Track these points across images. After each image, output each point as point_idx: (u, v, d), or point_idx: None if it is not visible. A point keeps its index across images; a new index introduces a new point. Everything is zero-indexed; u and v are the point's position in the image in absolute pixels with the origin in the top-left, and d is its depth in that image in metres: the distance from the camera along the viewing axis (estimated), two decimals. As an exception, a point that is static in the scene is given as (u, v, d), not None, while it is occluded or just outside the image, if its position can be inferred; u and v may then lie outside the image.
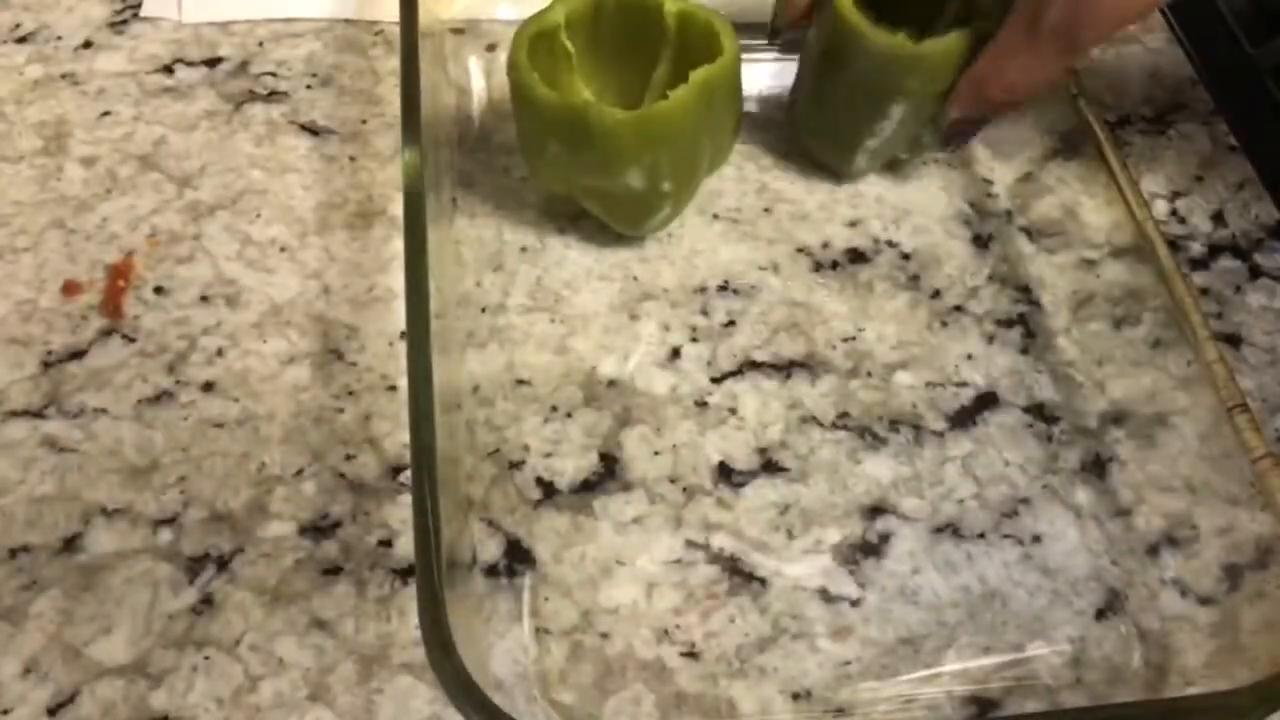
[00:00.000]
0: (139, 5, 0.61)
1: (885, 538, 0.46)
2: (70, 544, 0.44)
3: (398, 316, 0.50)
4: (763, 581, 0.44)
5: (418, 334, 0.41)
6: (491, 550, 0.44)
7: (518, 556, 0.44)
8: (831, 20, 0.49)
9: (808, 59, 0.54)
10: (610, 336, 0.50)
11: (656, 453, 0.47)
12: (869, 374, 0.50)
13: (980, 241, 0.55)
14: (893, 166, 0.57)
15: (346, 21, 0.62)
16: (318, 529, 0.45)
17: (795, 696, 0.42)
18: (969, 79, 0.47)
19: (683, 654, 0.42)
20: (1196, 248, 0.57)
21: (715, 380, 0.49)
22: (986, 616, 0.44)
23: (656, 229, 0.54)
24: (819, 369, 0.50)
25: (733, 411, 0.49)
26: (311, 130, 0.57)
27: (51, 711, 0.40)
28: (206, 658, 0.41)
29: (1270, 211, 0.58)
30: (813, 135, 0.56)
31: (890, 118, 0.51)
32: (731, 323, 0.51)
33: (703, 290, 0.52)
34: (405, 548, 0.44)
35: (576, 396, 0.48)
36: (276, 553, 0.44)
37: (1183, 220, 0.58)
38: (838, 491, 0.47)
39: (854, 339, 0.51)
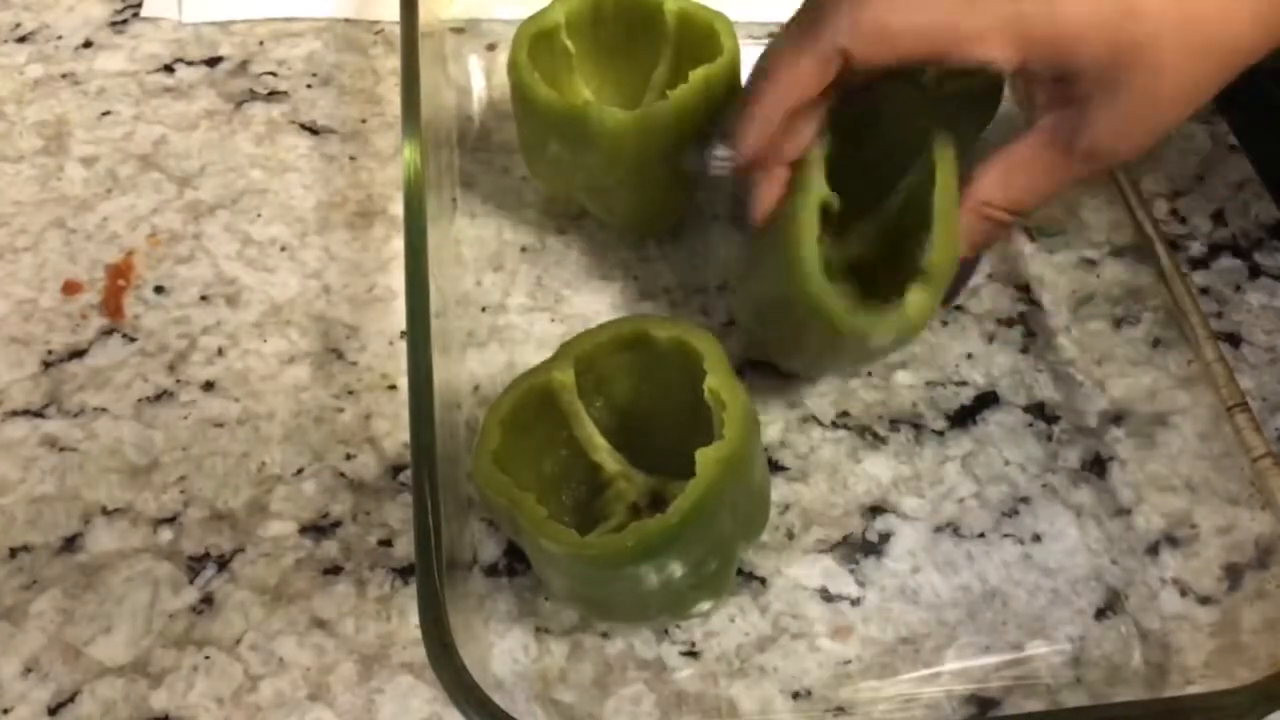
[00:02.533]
0: (139, 5, 0.61)
1: (885, 537, 0.46)
2: (70, 543, 0.44)
3: (398, 316, 0.50)
4: (763, 581, 0.44)
5: (418, 333, 0.41)
6: (492, 550, 0.44)
7: (518, 556, 0.44)
8: (788, 274, 0.41)
9: (746, 257, 0.47)
10: (610, 336, 0.50)
11: (656, 452, 0.47)
12: (869, 373, 0.50)
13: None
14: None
15: (347, 21, 0.62)
16: (318, 528, 0.45)
17: (795, 696, 0.42)
18: (972, 207, 0.41)
19: (683, 653, 0.42)
20: (1196, 247, 0.57)
21: (715, 380, 0.49)
22: (986, 616, 0.44)
23: (657, 228, 0.54)
24: (819, 368, 0.50)
25: (733, 411, 0.48)
26: (312, 130, 0.57)
27: (52, 711, 0.40)
28: (207, 657, 0.41)
29: (1270, 211, 0.58)
30: (757, 336, 0.49)
31: (852, 360, 0.47)
32: (731, 322, 0.51)
33: (702, 290, 0.52)
34: (405, 547, 0.44)
35: (576, 396, 0.48)
36: (277, 552, 0.44)
37: (1183, 219, 0.58)
38: (838, 491, 0.47)
39: (854, 338, 0.51)
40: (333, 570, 0.44)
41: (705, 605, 0.41)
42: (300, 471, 0.46)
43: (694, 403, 0.39)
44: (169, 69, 0.59)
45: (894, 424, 0.49)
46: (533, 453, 0.41)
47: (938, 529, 0.46)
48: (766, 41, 0.61)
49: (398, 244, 0.52)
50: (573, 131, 0.46)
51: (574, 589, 0.40)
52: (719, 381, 0.38)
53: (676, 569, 0.37)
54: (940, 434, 0.49)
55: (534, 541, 0.37)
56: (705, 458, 0.36)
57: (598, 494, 0.42)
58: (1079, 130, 0.38)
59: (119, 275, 0.51)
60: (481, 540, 0.45)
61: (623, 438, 0.42)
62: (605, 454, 0.41)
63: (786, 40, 0.40)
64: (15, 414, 0.47)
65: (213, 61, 0.59)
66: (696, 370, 0.39)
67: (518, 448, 0.39)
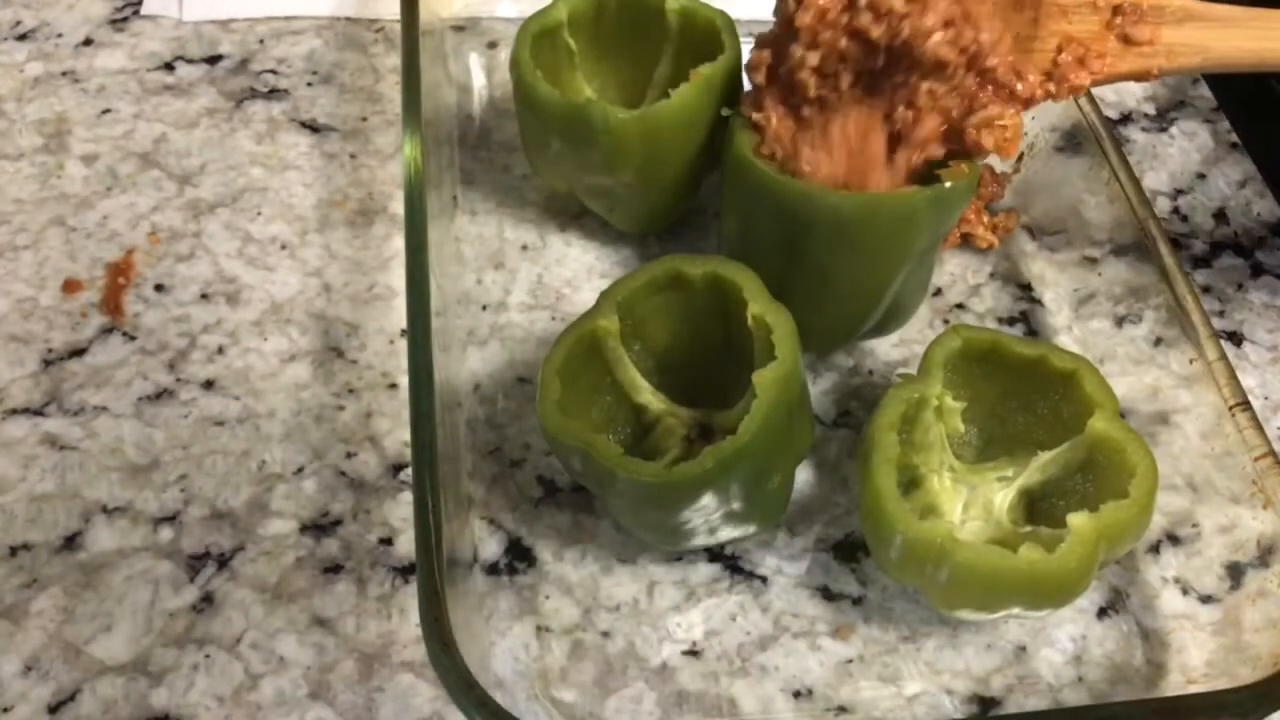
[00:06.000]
0: (139, 3, 0.61)
1: (887, 536, 0.46)
2: (71, 542, 0.44)
3: (398, 314, 0.50)
4: (764, 579, 0.44)
5: (418, 332, 0.41)
6: (492, 548, 0.44)
7: (519, 554, 0.44)
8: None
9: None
10: (611, 334, 0.50)
11: (658, 451, 0.47)
12: (870, 372, 0.50)
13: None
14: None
15: (347, 19, 0.62)
16: (318, 527, 0.44)
17: (797, 695, 0.42)
18: None
19: (684, 652, 0.42)
20: (1198, 245, 0.57)
21: (716, 378, 0.49)
22: (988, 615, 0.44)
23: (658, 227, 0.53)
24: (820, 367, 0.50)
25: (734, 409, 0.48)
26: (312, 128, 0.57)
27: (52, 709, 0.40)
28: (207, 656, 0.41)
29: (1272, 209, 0.58)
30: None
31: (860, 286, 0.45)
32: (733, 320, 0.51)
33: (704, 288, 0.52)
34: (406, 546, 0.44)
35: (577, 394, 0.48)
36: (277, 551, 0.44)
37: (1185, 218, 0.58)
38: (839, 489, 0.47)
39: (855, 337, 0.51)
40: (333, 569, 0.43)
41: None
42: (300, 470, 0.46)
43: (726, 335, 0.43)
44: (169, 67, 0.59)
45: (895, 422, 0.48)
46: (583, 401, 0.42)
47: (939, 528, 0.46)
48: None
49: (398, 242, 0.52)
50: (575, 130, 0.46)
51: (649, 519, 0.41)
52: (761, 306, 0.40)
53: (747, 486, 0.39)
54: (942, 432, 0.48)
55: (610, 479, 0.39)
56: (763, 378, 0.38)
57: (644, 435, 0.44)
58: None
59: (119, 273, 0.51)
60: (482, 538, 0.44)
61: (660, 378, 0.44)
62: (648, 394, 0.43)
63: None
64: (15, 412, 0.47)
65: (213, 59, 0.59)
66: (729, 303, 0.42)
67: (570, 397, 0.40)
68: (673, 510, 0.39)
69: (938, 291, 0.53)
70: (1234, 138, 0.61)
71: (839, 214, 0.42)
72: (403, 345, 0.49)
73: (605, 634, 0.43)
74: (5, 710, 0.40)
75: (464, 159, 0.56)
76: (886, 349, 0.51)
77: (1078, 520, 0.38)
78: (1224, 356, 0.44)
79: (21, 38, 0.60)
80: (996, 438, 0.45)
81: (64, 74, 0.58)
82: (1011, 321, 0.52)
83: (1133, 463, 0.40)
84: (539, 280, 0.52)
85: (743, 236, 0.46)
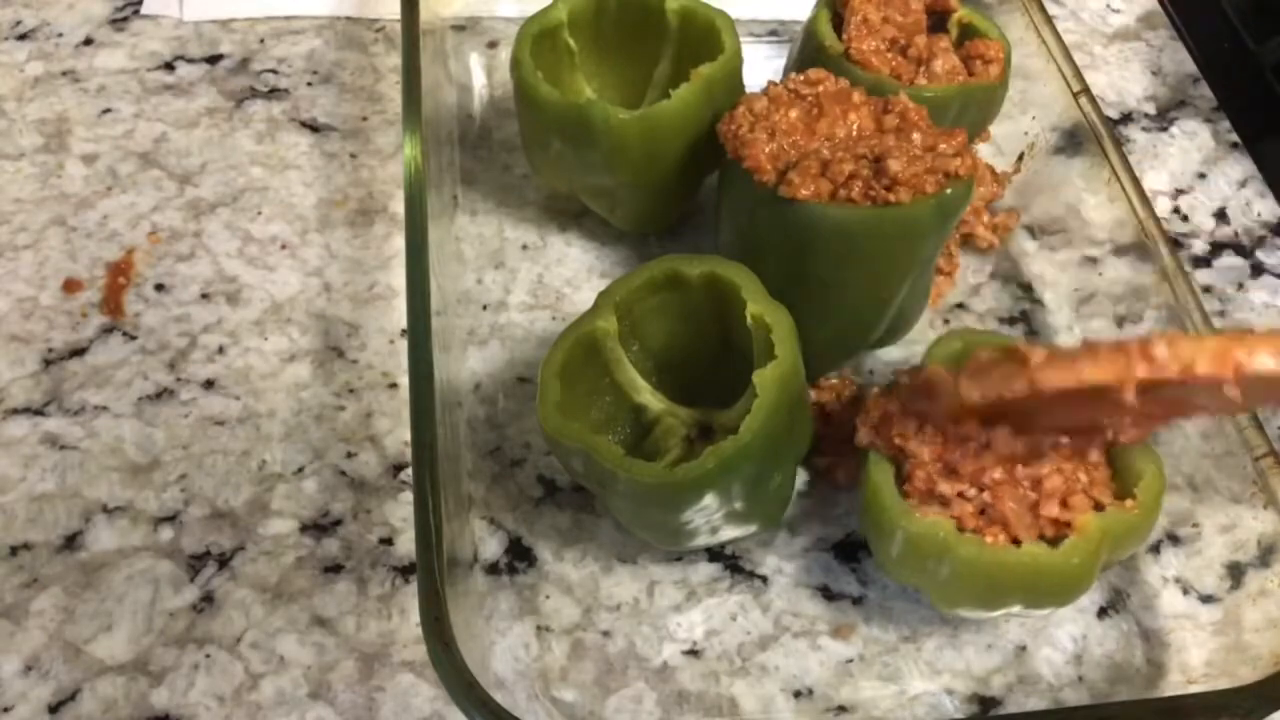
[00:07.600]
0: (140, 2, 0.61)
1: (887, 536, 0.46)
2: (71, 541, 0.44)
3: (399, 314, 0.50)
4: (764, 579, 0.44)
5: (419, 331, 0.41)
6: (493, 548, 0.44)
7: (519, 554, 0.44)
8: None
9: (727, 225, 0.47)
10: (611, 334, 0.50)
11: (658, 450, 0.47)
12: (871, 372, 0.50)
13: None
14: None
15: (347, 19, 0.62)
16: (319, 527, 0.44)
17: (797, 694, 0.42)
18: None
19: (684, 652, 0.42)
20: (1199, 245, 0.57)
21: (717, 378, 0.49)
22: (988, 614, 0.44)
23: (658, 226, 0.53)
24: (820, 367, 0.50)
25: (734, 409, 0.48)
26: (312, 127, 0.57)
27: (53, 709, 0.40)
28: (207, 655, 0.41)
29: (1273, 208, 0.58)
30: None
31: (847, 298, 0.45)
32: (733, 320, 0.51)
33: (704, 288, 0.52)
34: (406, 545, 0.44)
35: (578, 394, 0.48)
36: (277, 550, 0.44)
37: (1185, 217, 0.58)
38: (839, 489, 0.47)
39: (856, 337, 0.51)
40: (333, 568, 0.43)
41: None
42: (301, 470, 0.46)
43: (724, 335, 0.43)
44: (169, 66, 0.59)
45: (896, 422, 0.48)
46: (583, 402, 0.42)
47: (939, 527, 0.46)
48: (768, 40, 0.61)
49: (398, 242, 0.52)
50: (575, 130, 0.46)
51: (651, 519, 0.41)
52: (761, 306, 0.40)
53: (749, 485, 0.39)
54: (942, 432, 0.48)
55: (612, 480, 0.39)
56: (764, 378, 0.38)
57: (644, 435, 0.44)
58: None
59: (119, 273, 0.51)
60: (483, 538, 0.44)
61: (658, 377, 0.44)
62: (648, 394, 0.43)
63: None
64: (16, 412, 0.47)
65: (213, 59, 0.59)
66: (726, 304, 0.42)
67: (570, 399, 0.40)
68: (675, 510, 0.39)
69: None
70: (1234, 137, 0.61)
71: (844, 228, 0.42)
72: (403, 345, 0.49)
73: (605, 634, 0.43)
74: (5, 710, 0.40)
75: (464, 159, 0.56)
76: (887, 349, 0.51)
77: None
78: (1224, 356, 0.44)
79: (22, 37, 0.60)
80: None
81: (64, 74, 0.58)
82: (1012, 321, 0.52)
83: (1140, 466, 0.40)
84: (539, 280, 0.52)
85: (742, 253, 0.46)
